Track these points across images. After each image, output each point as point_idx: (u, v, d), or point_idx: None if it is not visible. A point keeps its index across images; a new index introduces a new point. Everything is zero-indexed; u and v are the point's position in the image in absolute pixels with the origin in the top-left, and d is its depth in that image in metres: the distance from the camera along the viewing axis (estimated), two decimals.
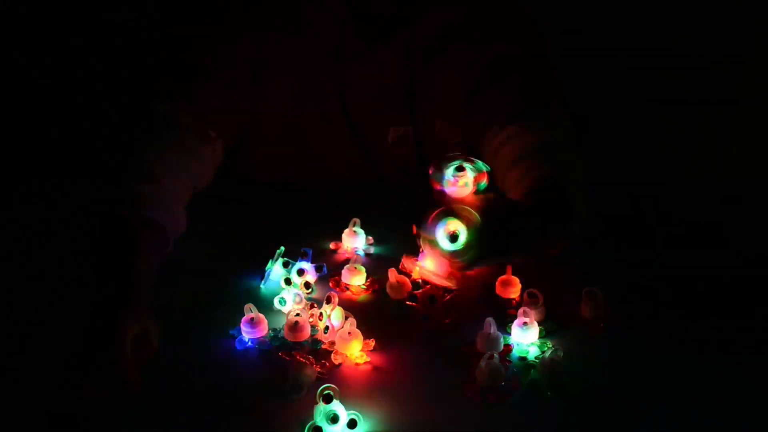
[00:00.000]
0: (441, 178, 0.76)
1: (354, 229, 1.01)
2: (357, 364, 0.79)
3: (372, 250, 1.02)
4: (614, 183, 1.15)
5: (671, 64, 1.50)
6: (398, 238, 0.99)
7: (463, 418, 0.72)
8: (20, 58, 1.50)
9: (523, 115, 1.04)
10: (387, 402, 0.74)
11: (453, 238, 0.74)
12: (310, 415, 0.70)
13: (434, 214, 0.76)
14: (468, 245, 0.75)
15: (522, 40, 1.09)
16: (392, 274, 0.90)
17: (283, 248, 0.94)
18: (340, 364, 0.79)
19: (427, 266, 0.79)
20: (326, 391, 0.69)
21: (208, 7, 1.09)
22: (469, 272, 0.79)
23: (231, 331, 0.84)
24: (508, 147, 1.02)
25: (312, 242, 0.99)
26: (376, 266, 0.96)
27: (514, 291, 0.90)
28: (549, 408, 0.73)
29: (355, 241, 1.01)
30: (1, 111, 1.54)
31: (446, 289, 0.89)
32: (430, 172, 0.78)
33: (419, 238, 0.81)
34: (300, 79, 1.10)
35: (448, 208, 0.76)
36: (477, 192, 0.79)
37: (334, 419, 0.68)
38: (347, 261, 0.94)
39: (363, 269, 0.93)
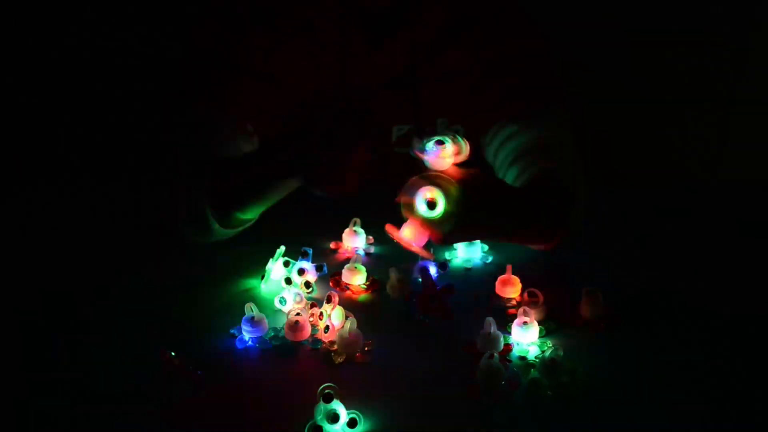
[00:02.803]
0: (423, 149, 0.77)
1: (354, 228, 1.01)
2: (357, 364, 0.79)
3: (372, 249, 1.02)
4: (614, 183, 1.15)
5: (671, 63, 1.50)
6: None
7: (463, 418, 0.72)
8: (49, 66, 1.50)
9: (524, 114, 1.04)
10: (387, 402, 0.74)
11: (431, 205, 0.75)
12: (311, 415, 0.70)
13: (416, 179, 0.76)
14: (446, 216, 0.75)
15: (523, 39, 1.09)
16: (392, 274, 0.90)
17: (283, 248, 0.94)
18: (339, 364, 0.80)
19: (406, 235, 0.78)
20: (326, 391, 0.69)
21: (217, 8, 1.10)
22: (447, 244, 0.79)
23: (231, 331, 0.84)
24: (509, 145, 1.03)
25: (312, 242, 0.99)
26: (376, 266, 0.96)
27: (514, 291, 0.90)
28: (549, 408, 0.73)
29: (355, 240, 1.01)
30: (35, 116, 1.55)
31: (446, 289, 0.89)
32: (414, 143, 0.79)
33: (402, 206, 0.80)
34: (303, 77, 1.10)
35: (431, 176, 0.76)
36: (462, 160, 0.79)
37: (334, 418, 0.68)
38: (347, 260, 0.94)
39: (363, 269, 0.93)
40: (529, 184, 0.95)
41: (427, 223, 0.77)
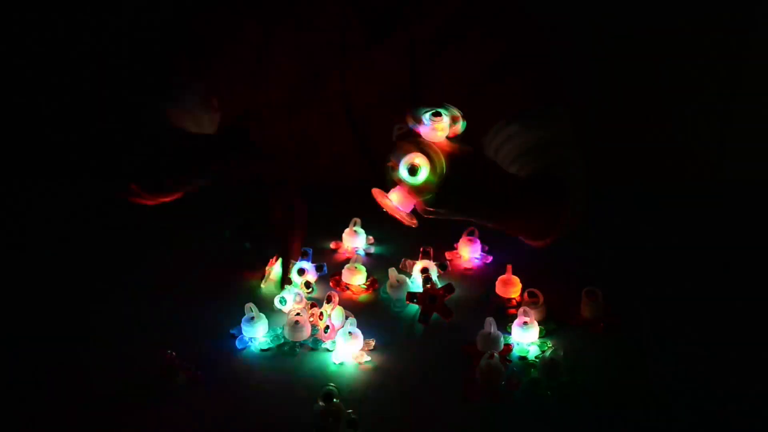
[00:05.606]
0: (418, 122, 0.76)
1: (354, 228, 1.01)
2: (357, 364, 0.79)
3: (372, 249, 1.02)
4: (615, 183, 1.15)
5: (671, 63, 1.50)
6: (398, 239, 0.99)
7: (463, 418, 0.72)
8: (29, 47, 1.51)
9: (525, 113, 1.04)
10: (387, 402, 0.74)
11: (413, 170, 0.74)
12: (311, 415, 0.70)
13: (406, 143, 0.76)
14: (428, 185, 0.75)
15: (523, 38, 1.09)
16: (392, 274, 0.90)
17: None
18: (341, 363, 0.80)
19: (393, 199, 0.78)
20: (326, 390, 0.69)
21: (215, 2, 1.12)
22: (431, 216, 0.79)
23: (231, 331, 0.84)
24: (509, 145, 1.03)
25: (312, 242, 0.99)
26: (376, 266, 0.96)
27: (514, 291, 0.90)
28: (549, 408, 0.73)
29: (355, 240, 1.01)
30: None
31: (446, 289, 0.89)
32: (408, 116, 0.78)
33: (389, 169, 0.79)
34: (302, 75, 1.10)
35: (420, 142, 0.76)
36: (456, 135, 0.78)
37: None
38: (347, 260, 0.94)
39: (363, 269, 0.93)
40: (524, 179, 0.95)
41: (410, 189, 0.76)
